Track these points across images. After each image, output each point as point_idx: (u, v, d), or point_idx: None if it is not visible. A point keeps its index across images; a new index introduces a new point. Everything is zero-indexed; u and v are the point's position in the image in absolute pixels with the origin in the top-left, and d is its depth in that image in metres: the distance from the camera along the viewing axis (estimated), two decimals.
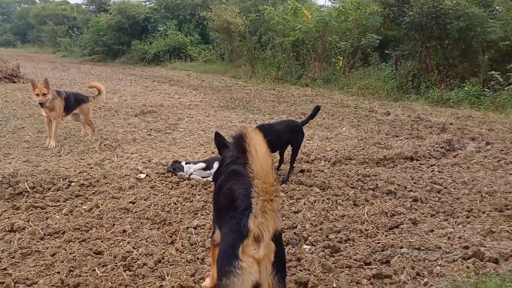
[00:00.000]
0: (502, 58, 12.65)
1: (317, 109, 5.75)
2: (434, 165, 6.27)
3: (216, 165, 5.26)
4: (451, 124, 9.23)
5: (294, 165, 5.83)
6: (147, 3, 32.99)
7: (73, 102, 6.81)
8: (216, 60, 24.27)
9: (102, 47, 31.61)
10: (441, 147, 7.18)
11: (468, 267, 3.30)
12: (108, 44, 30.82)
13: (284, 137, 5.35)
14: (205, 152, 6.59)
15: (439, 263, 3.40)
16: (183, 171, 5.37)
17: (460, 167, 6.19)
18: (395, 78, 14.55)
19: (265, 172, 2.00)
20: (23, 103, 10.34)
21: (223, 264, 2.08)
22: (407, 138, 8.08)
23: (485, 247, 3.65)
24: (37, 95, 6.41)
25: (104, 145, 6.78)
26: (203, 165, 5.34)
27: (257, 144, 2.05)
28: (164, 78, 19.42)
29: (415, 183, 5.36)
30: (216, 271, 2.82)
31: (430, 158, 6.69)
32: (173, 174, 5.40)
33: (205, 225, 3.97)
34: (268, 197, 2.01)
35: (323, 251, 3.56)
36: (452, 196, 4.93)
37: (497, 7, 12.98)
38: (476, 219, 4.31)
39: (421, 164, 6.34)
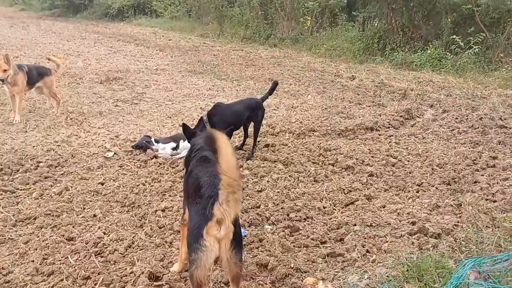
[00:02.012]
0: (464, 21, 12.93)
1: (275, 84, 5.94)
2: (392, 135, 6.60)
3: (182, 142, 5.42)
4: (411, 90, 9.56)
5: (259, 138, 6.04)
6: None
7: (36, 76, 6.69)
8: (182, 17, 23.64)
9: (63, 1, 30.17)
10: (400, 116, 7.52)
11: (413, 243, 3.66)
12: None
13: (244, 115, 5.53)
14: (172, 125, 6.69)
15: (387, 239, 3.75)
16: (152, 148, 5.48)
17: (416, 137, 6.54)
18: (361, 39, 14.68)
19: (231, 170, 2.37)
20: None
21: (192, 242, 2.50)
22: (369, 106, 8.37)
23: (430, 222, 4.01)
24: None
25: (70, 119, 6.77)
26: (173, 144, 5.47)
27: (225, 147, 2.40)
28: (129, 36, 18.91)
29: (372, 156, 5.67)
30: (185, 249, 3.13)
31: (389, 128, 7.02)
32: (143, 151, 5.50)
33: (172, 207, 4.17)
34: (232, 190, 2.39)
35: (284, 231, 3.84)
36: (406, 170, 5.27)
37: None
38: (425, 193, 4.68)
39: (380, 134, 6.66)
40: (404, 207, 4.33)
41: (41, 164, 5.02)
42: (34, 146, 5.58)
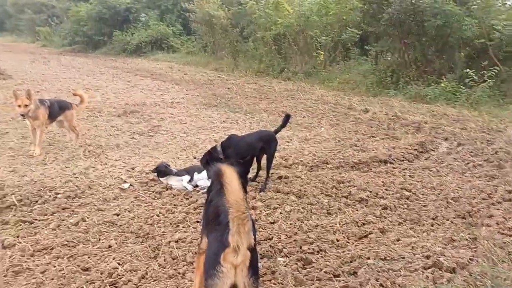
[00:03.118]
0: (477, 55, 13.04)
1: (287, 117, 6.04)
2: (406, 169, 6.59)
3: (196, 175, 5.50)
4: (425, 123, 9.58)
5: (272, 170, 6.09)
6: None
7: (57, 110, 6.92)
8: (198, 52, 24.27)
9: (82, 38, 31.29)
10: (414, 149, 7.52)
11: (427, 277, 3.61)
12: (89, 34, 30.51)
13: (257, 147, 5.61)
14: (186, 157, 6.79)
15: (401, 273, 3.71)
16: (172, 173, 5.56)
17: (430, 171, 6.53)
18: (374, 73, 14.87)
19: (238, 204, 2.46)
20: (5, 103, 10.32)
21: (209, 268, 2.57)
22: (383, 139, 8.40)
23: (444, 256, 3.96)
24: (19, 106, 6.43)
25: (88, 151, 6.93)
26: (188, 177, 5.56)
27: (231, 180, 2.49)
28: (147, 71, 19.40)
29: (386, 189, 5.66)
30: (199, 279, 3.14)
31: (403, 161, 7.02)
32: (159, 181, 5.60)
33: (186, 238, 4.21)
34: (241, 222, 2.47)
35: (296, 263, 3.84)
36: (420, 203, 5.25)
37: (473, 6, 13.26)
38: (440, 227, 4.64)
39: (394, 167, 6.66)
40: (418, 240, 4.30)
41: (59, 196, 5.12)
42: (52, 178, 5.70)
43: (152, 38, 26.73)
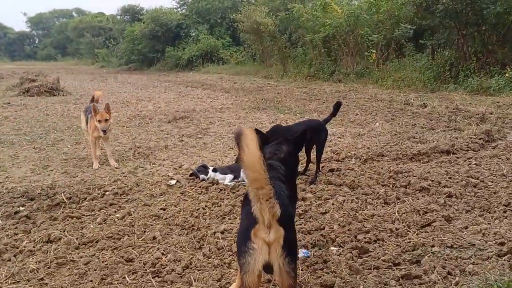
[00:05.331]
0: None
1: (338, 105, 5.62)
2: (471, 158, 6.04)
3: (242, 171, 5.30)
4: (491, 114, 8.89)
5: (322, 164, 5.78)
6: (179, 9, 33.64)
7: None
8: (247, 61, 24.43)
9: (137, 56, 32.56)
10: (480, 138, 6.94)
11: (503, 265, 3.16)
12: (143, 52, 31.71)
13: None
14: (234, 155, 6.62)
15: (472, 261, 3.27)
16: (205, 176, 5.43)
17: (499, 158, 5.94)
18: (431, 68, 14.17)
19: (252, 162, 2.15)
20: (62, 115, 10.75)
21: (240, 245, 2.36)
22: (444, 131, 7.85)
23: None
24: (99, 121, 5.86)
25: (138, 153, 6.95)
26: (231, 176, 5.37)
27: (249, 141, 2.18)
28: (197, 82, 19.71)
29: (450, 178, 5.17)
30: None
31: (467, 150, 6.46)
32: (196, 177, 5.45)
33: (232, 229, 3.99)
34: (259, 185, 2.16)
35: (351, 252, 3.50)
36: (489, 190, 4.73)
37: None
38: None
39: (457, 157, 6.12)
40: (490, 227, 3.81)
41: (107, 193, 5.10)
42: (102, 178, 5.72)
43: (202, 52, 27.30)
